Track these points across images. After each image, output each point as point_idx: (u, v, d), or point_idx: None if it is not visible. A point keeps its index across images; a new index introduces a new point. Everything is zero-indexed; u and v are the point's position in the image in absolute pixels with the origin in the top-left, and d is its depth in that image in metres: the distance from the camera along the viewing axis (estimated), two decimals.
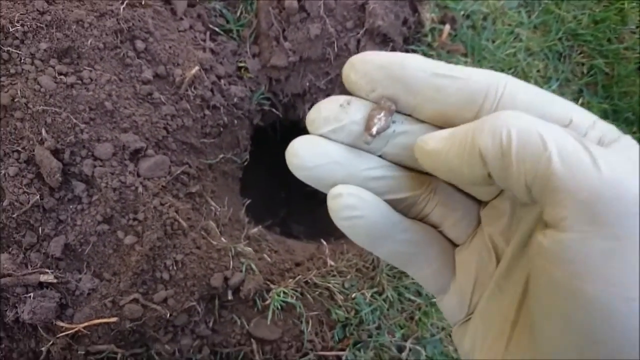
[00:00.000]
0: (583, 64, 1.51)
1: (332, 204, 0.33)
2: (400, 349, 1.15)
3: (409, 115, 0.34)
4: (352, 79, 0.33)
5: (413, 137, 0.33)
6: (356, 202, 0.33)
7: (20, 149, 0.93)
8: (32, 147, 0.93)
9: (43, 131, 0.93)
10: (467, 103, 0.31)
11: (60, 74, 0.96)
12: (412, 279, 1.21)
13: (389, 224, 0.34)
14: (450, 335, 1.19)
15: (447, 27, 1.34)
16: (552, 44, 1.48)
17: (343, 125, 0.33)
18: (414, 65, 0.32)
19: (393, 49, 1.19)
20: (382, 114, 0.32)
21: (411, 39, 1.29)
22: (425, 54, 1.28)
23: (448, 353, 1.18)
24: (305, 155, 0.33)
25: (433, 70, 0.31)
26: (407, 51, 1.25)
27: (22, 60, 0.95)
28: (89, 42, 0.99)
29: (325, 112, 0.33)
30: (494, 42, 1.42)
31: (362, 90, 0.33)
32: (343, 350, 1.11)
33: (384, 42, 1.19)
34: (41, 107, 0.93)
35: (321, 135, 0.33)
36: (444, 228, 0.38)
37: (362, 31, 1.18)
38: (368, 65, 0.32)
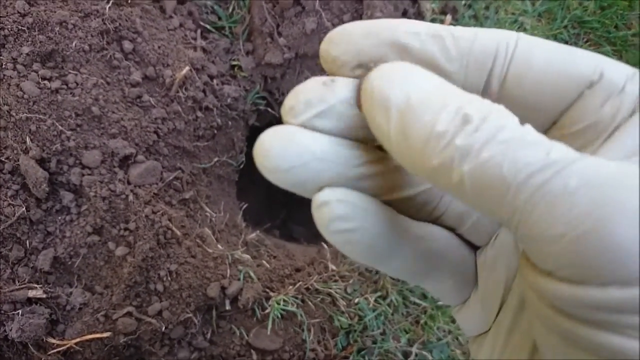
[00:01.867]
0: None
1: (317, 214, 0.25)
2: (406, 355, 1.11)
3: None
4: (332, 55, 0.27)
5: None
6: (349, 211, 0.25)
7: (3, 159, 0.88)
8: (16, 157, 0.88)
9: (27, 140, 0.89)
10: (474, 68, 0.25)
11: (44, 78, 0.92)
12: None
13: (395, 234, 0.27)
14: (457, 339, 1.16)
15: (449, 18, 1.29)
16: (558, 32, 1.43)
17: (331, 106, 0.25)
18: (406, 29, 0.26)
19: None
20: None
21: None
22: None
23: (455, 357, 1.14)
24: (278, 154, 0.24)
25: (430, 32, 0.25)
26: None
27: (3, 66, 0.90)
28: (74, 44, 0.94)
29: (306, 94, 0.25)
30: None
31: (346, 67, 0.26)
32: (347, 357, 1.07)
33: None
34: (25, 114, 0.89)
35: (301, 125, 0.25)
36: (462, 229, 0.31)
37: None
38: (352, 37, 0.26)
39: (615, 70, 0.24)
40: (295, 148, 0.25)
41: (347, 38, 0.26)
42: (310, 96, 0.25)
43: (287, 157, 0.24)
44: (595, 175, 0.18)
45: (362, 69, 0.26)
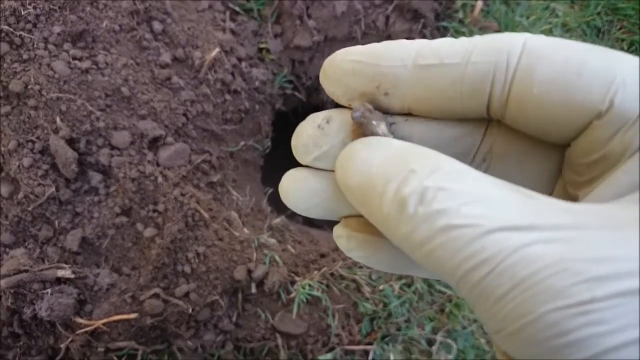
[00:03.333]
0: (623, 40, 1.42)
1: (338, 243, 0.28)
2: (430, 343, 1.11)
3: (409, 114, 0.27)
4: (328, 89, 0.27)
5: (422, 136, 0.27)
6: (362, 242, 0.27)
7: (34, 139, 0.88)
8: (46, 137, 0.88)
9: (57, 119, 0.89)
10: (469, 96, 0.24)
11: (74, 58, 0.92)
12: None
13: None
14: (482, 328, 1.15)
15: (480, 3, 1.27)
16: (591, 19, 1.39)
17: (325, 151, 0.27)
18: (391, 57, 0.24)
19: (424, 26, 1.12)
20: (371, 126, 0.25)
21: (442, 16, 1.22)
22: (457, 31, 1.21)
23: (480, 346, 1.13)
24: (294, 197, 0.28)
25: (416, 60, 0.24)
26: (437, 28, 1.18)
27: (35, 45, 0.90)
28: (104, 24, 0.94)
29: (303, 139, 0.27)
30: (528, 18, 1.33)
31: (341, 100, 0.27)
32: (371, 344, 1.07)
33: (415, 18, 1.12)
34: (55, 94, 0.88)
35: (309, 165, 0.28)
36: None
37: (391, 7, 1.11)
38: (340, 74, 0.26)
39: (630, 93, 0.21)
40: (306, 192, 0.28)
41: (337, 75, 0.26)
42: (307, 141, 0.27)
43: (302, 201, 0.28)
44: (525, 277, 0.18)
45: (357, 100, 0.26)
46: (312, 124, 0.27)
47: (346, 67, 0.25)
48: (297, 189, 0.28)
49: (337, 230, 0.28)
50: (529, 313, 0.18)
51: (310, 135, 0.27)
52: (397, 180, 0.21)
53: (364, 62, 0.25)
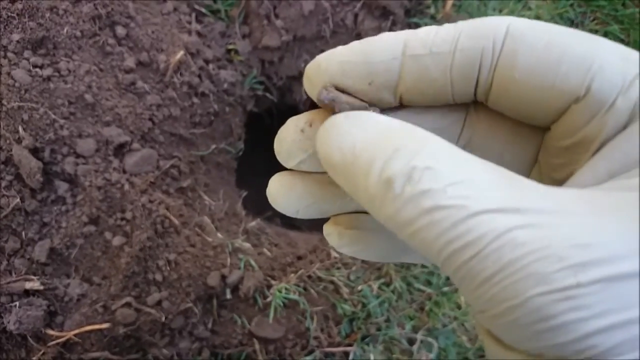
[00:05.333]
0: (597, 31, 1.42)
1: (329, 240, 0.29)
2: (411, 342, 1.10)
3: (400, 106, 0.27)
4: (311, 94, 0.26)
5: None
6: (353, 238, 0.28)
7: None
8: (9, 147, 0.87)
9: (20, 129, 0.87)
10: (459, 83, 0.24)
11: (35, 66, 0.90)
12: (422, 267, 1.15)
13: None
14: (463, 325, 1.14)
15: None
16: (564, 10, 1.39)
17: (310, 154, 0.27)
18: (381, 52, 0.24)
19: (394, 23, 1.11)
20: (343, 102, 0.24)
21: (413, 11, 1.21)
22: None
23: (461, 343, 1.12)
24: (283, 202, 0.28)
25: (405, 52, 0.24)
26: (408, 25, 1.17)
27: None
28: (65, 30, 0.92)
29: (287, 144, 0.27)
30: (501, 11, 1.33)
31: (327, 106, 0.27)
32: (350, 345, 1.06)
33: (384, 15, 1.11)
34: (16, 103, 0.87)
35: (294, 168, 0.28)
36: None
37: (360, 4, 1.10)
38: (326, 75, 0.25)
39: (607, 79, 0.22)
40: (294, 196, 0.27)
41: (324, 79, 0.25)
42: (290, 147, 0.27)
43: (291, 204, 0.28)
44: (510, 261, 0.18)
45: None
46: (295, 128, 0.27)
47: (333, 69, 0.25)
48: (284, 194, 0.28)
49: (327, 228, 0.29)
50: (513, 297, 0.18)
51: (293, 140, 0.27)
52: (382, 158, 0.21)
53: (353, 61, 0.24)
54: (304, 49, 1.13)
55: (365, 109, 0.25)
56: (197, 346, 0.97)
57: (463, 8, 1.29)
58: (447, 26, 0.24)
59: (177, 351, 0.95)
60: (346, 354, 1.05)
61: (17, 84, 0.87)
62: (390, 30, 1.08)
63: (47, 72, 0.90)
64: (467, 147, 0.27)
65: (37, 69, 0.89)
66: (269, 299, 1.00)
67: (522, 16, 1.31)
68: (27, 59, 0.89)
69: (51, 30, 0.91)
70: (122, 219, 0.91)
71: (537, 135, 0.26)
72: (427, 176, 0.20)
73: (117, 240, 0.90)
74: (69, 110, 0.90)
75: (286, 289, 1.02)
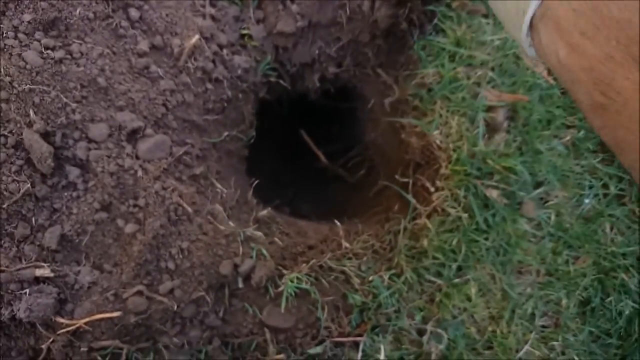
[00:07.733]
0: None
1: None
2: (421, 333, 1.09)
3: None
4: None
5: None
6: None
7: (6, 133, 0.84)
8: (20, 131, 0.84)
9: (31, 112, 0.85)
10: None
11: (47, 48, 0.87)
12: (433, 259, 1.14)
13: None
14: (473, 317, 1.14)
15: None
16: None
17: None
18: None
19: (410, 10, 1.09)
20: None
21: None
22: (444, 15, 1.18)
23: (470, 335, 1.12)
24: None
25: None
26: (424, 12, 1.15)
27: (4, 34, 0.86)
28: (78, 11, 0.90)
29: None
30: None
31: None
32: (361, 335, 1.05)
33: (400, 2, 1.09)
34: (27, 86, 0.84)
35: None
36: None
37: None
38: None
39: None
40: None
41: None
42: None
43: None
44: None
45: None
46: None
47: None
48: None
49: None
50: None
51: None
52: None
53: None
54: (318, 35, 1.11)
55: None
56: (208, 335, 0.96)
57: None
58: None
59: (187, 340, 0.94)
60: (356, 344, 1.04)
61: (28, 66, 0.85)
62: (408, 17, 1.07)
63: (59, 54, 0.87)
64: None
65: (49, 51, 0.87)
66: (280, 289, 1.00)
67: None
68: (39, 41, 0.87)
69: (63, 10, 0.89)
70: (135, 205, 0.89)
71: None
72: None
73: (129, 228, 0.89)
74: (81, 94, 0.88)
75: (298, 278, 1.01)
